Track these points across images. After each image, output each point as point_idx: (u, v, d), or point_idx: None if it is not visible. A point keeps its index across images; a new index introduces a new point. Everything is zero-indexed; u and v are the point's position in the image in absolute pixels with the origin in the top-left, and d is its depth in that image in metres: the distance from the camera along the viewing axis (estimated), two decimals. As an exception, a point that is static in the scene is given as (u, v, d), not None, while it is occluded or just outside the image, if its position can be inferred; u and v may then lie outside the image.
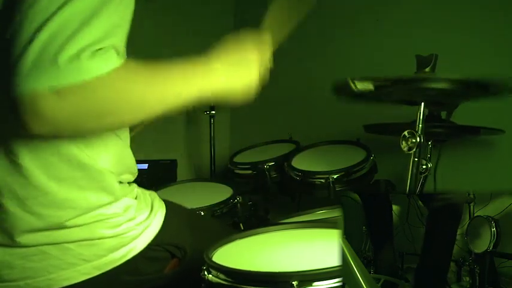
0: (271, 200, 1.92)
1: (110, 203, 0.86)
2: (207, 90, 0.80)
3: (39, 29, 0.62)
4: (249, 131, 2.68)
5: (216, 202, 1.51)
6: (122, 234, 0.87)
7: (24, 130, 0.64)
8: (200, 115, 2.41)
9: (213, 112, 2.21)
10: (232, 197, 1.56)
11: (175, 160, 2.23)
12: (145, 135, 2.20)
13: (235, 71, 0.84)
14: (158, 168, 2.15)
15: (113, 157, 0.87)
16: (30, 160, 0.77)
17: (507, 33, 1.64)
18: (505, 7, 1.64)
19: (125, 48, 0.74)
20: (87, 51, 0.63)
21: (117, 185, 0.87)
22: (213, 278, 0.80)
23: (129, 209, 0.89)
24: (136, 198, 0.93)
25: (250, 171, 1.80)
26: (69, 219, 0.81)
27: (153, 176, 2.07)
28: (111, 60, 0.65)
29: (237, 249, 0.94)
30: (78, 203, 0.82)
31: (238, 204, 1.56)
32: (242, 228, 1.55)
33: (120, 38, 0.69)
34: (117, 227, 0.86)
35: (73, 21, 0.63)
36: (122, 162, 0.90)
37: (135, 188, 0.96)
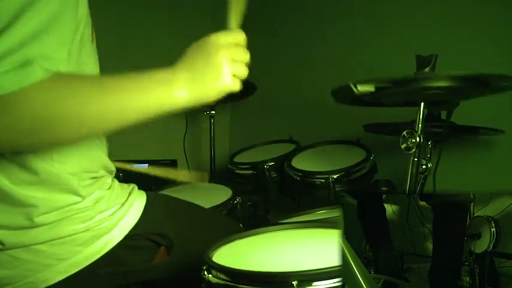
0: (271, 200, 1.92)
1: (76, 202, 0.83)
2: (169, 102, 0.75)
3: None
4: (249, 131, 2.67)
5: (215, 204, 1.50)
6: (95, 226, 0.85)
7: None
8: (200, 115, 2.41)
9: (213, 112, 2.21)
10: (232, 198, 1.56)
11: (175, 160, 2.23)
12: (146, 135, 2.21)
13: (202, 76, 0.78)
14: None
15: (76, 160, 0.83)
16: None
17: (508, 33, 1.64)
18: (506, 6, 1.64)
19: (69, 54, 0.69)
20: (2, 64, 0.61)
21: (81, 186, 0.84)
22: (213, 278, 0.80)
23: (101, 201, 0.87)
24: (109, 188, 0.91)
25: (250, 171, 1.80)
26: (38, 216, 0.79)
27: (153, 176, 2.07)
28: (32, 74, 0.62)
29: (237, 249, 0.94)
30: (42, 202, 0.80)
31: (238, 205, 1.56)
32: (242, 228, 1.55)
33: (50, 44, 0.65)
34: (88, 221, 0.84)
35: None
36: (88, 163, 0.87)
37: (109, 178, 0.93)
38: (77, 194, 0.83)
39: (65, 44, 0.69)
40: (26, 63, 0.62)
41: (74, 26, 0.72)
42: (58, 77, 0.65)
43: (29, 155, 0.77)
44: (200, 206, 1.19)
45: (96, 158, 0.90)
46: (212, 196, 1.59)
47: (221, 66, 0.78)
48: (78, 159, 0.84)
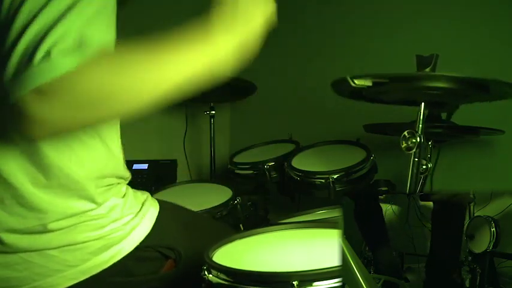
0: (271, 200, 1.92)
1: (91, 209, 0.84)
2: (214, 62, 0.73)
3: (19, 36, 0.63)
4: (249, 131, 2.67)
5: (215, 205, 1.50)
6: (107, 235, 0.85)
7: (25, 137, 0.64)
8: (200, 115, 2.41)
9: (213, 112, 2.21)
10: (232, 198, 1.56)
11: (175, 160, 2.23)
12: (146, 135, 2.20)
13: (241, 31, 0.76)
14: (158, 168, 2.15)
15: (94, 165, 0.84)
16: (10, 164, 0.76)
17: (509, 33, 1.64)
18: (507, 6, 1.64)
19: (111, 35, 0.71)
20: (56, 48, 0.62)
21: (98, 192, 0.84)
22: (214, 278, 0.80)
23: (115, 209, 0.87)
24: (124, 196, 0.91)
25: (250, 171, 1.80)
26: (51, 222, 0.80)
27: (153, 176, 2.07)
28: (82, 53, 0.64)
29: (237, 249, 0.94)
30: (58, 208, 0.80)
31: (238, 205, 1.56)
32: (242, 228, 1.55)
33: (97, 28, 0.67)
34: (101, 229, 0.84)
35: (48, 23, 0.63)
36: (106, 169, 0.87)
37: (123, 187, 0.93)
38: (92, 200, 0.84)
39: (113, 25, 0.71)
40: (81, 44, 0.64)
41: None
42: (108, 54, 0.67)
43: (49, 158, 0.77)
44: (207, 217, 1.20)
45: (114, 164, 0.90)
46: (212, 196, 1.59)
47: (258, 15, 0.79)
48: (96, 163, 0.84)
